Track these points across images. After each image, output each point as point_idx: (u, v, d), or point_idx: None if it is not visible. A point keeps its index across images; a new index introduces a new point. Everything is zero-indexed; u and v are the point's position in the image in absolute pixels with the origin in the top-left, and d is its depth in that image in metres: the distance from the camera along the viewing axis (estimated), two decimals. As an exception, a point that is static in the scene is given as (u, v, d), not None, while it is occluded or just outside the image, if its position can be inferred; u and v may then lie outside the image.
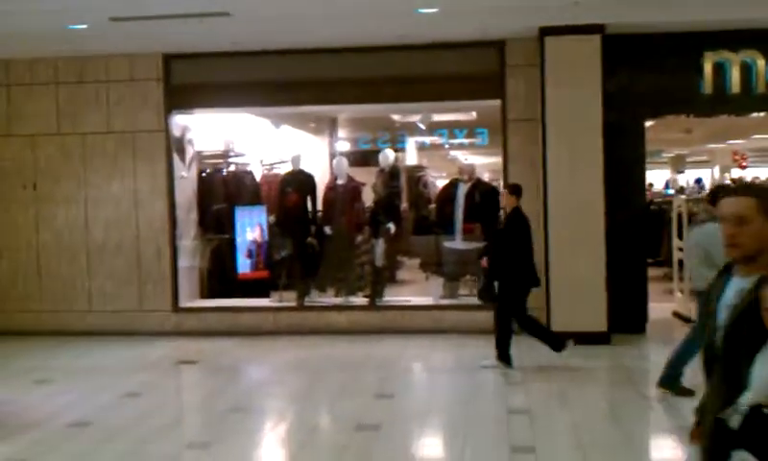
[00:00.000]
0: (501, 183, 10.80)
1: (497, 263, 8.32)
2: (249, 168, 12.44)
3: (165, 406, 7.70)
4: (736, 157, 26.01)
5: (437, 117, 14.21)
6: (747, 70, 9.87)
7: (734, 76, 9.88)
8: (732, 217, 2.69)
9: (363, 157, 14.47)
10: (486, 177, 17.81)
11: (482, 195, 11.01)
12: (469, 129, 14.76)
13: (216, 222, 11.62)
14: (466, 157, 21.43)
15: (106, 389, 8.11)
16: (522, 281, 8.24)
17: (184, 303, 10.96)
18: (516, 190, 8.39)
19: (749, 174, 25.87)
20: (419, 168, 16.33)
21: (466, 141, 15.75)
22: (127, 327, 10.67)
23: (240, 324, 10.63)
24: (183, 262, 11.05)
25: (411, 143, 16.46)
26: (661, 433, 6.78)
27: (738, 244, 2.67)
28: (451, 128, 14.77)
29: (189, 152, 11.34)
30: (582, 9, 8.82)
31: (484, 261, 8.59)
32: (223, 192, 11.71)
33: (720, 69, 9.90)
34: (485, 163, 21.41)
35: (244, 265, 11.48)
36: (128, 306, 10.81)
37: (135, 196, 10.79)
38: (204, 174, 11.77)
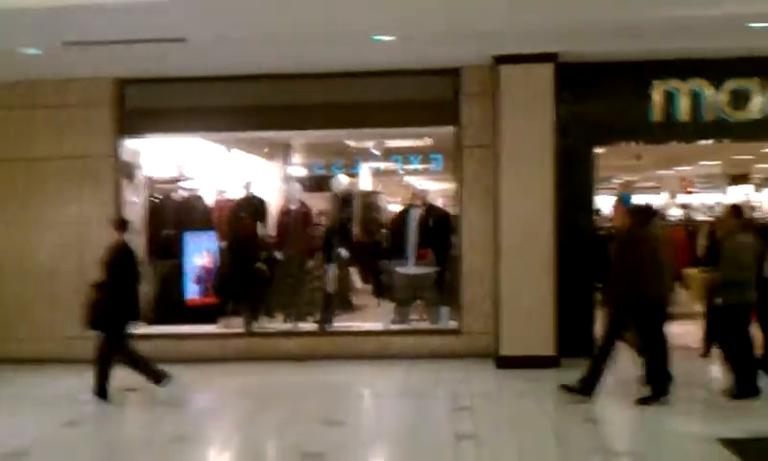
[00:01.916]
0: (454, 209, 10.83)
1: None
2: (200, 193, 12.27)
3: (105, 436, 7.46)
4: (684, 183, 26.53)
5: (392, 143, 14.22)
6: (695, 98, 10.05)
7: (683, 104, 10.05)
8: None
9: (317, 183, 14.41)
10: (440, 202, 17.85)
11: (435, 221, 11.00)
12: (424, 155, 14.82)
13: (165, 247, 11.43)
14: (420, 183, 21.47)
15: (45, 418, 7.85)
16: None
17: (131, 329, 10.66)
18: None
19: (694, 200, 26.37)
20: (372, 193, 16.29)
21: (420, 167, 15.80)
22: (69, 354, 10.35)
23: (186, 350, 10.41)
24: (131, 288, 10.77)
25: (365, 169, 16.43)
26: (606, 456, 6.75)
27: None
28: (406, 154, 14.82)
29: (139, 177, 11.14)
30: (536, 37, 8.91)
31: None
32: (173, 217, 11.53)
33: (669, 97, 10.06)
34: (439, 189, 21.45)
35: (193, 291, 11.27)
36: (71, 333, 10.50)
37: (82, 221, 10.53)
38: (154, 199, 11.57)
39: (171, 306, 11.34)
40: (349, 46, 9.18)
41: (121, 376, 9.63)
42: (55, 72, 10.17)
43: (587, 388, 7.94)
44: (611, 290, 8.08)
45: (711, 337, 9.18)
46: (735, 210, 8.65)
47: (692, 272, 8.18)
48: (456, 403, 7.99)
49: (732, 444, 6.47)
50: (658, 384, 7.87)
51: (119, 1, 7.53)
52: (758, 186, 26.04)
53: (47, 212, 10.58)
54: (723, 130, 10.23)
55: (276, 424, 7.68)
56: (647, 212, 8.35)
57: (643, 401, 7.84)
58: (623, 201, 8.15)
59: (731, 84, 10.02)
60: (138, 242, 11.10)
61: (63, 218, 10.56)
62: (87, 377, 9.54)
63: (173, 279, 11.39)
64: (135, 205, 11.03)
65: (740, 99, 10.04)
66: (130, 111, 10.55)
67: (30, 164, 10.58)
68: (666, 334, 8.08)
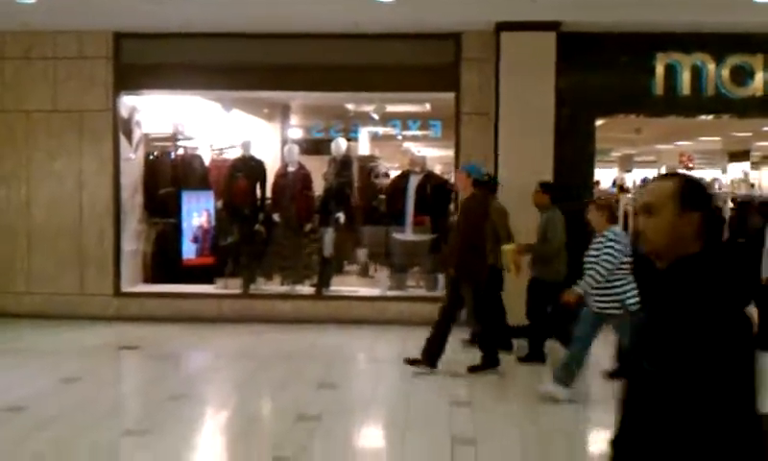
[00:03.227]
0: (453, 176, 10.81)
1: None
2: (198, 152, 12.23)
3: (104, 393, 7.50)
4: (683, 159, 26.50)
5: (391, 108, 14.15)
6: (697, 73, 10.00)
7: (685, 78, 10.01)
8: (642, 207, 2.37)
9: (315, 146, 14.34)
10: (437, 169, 17.83)
11: (433, 188, 10.99)
12: (423, 120, 14.76)
13: (162, 206, 11.40)
14: (419, 149, 21.44)
15: (43, 373, 7.90)
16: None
17: (127, 287, 10.73)
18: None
19: (694, 175, 26.36)
20: (371, 158, 16.25)
21: (419, 133, 15.74)
22: (67, 310, 10.40)
23: (183, 310, 10.45)
24: (127, 246, 10.82)
25: (364, 133, 16.37)
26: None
27: (647, 239, 2.34)
28: (405, 119, 14.75)
29: (137, 133, 11.10)
30: (538, 6, 8.84)
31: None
32: (170, 176, 11.50)
33: (671, 71, 10.02)
34: (438, 156, 21.42)
35: (189, 250, 11.29)
36: (68, 289, 10.54)
37: (80, 177, 10.52)
38: (151, 156, 11.54)
39: (168, 265, 11.36)
40: (350, 6, 9.10)
41: (116, 333, 9.71)
42: (51, 23, 10.05)
43: (431, 359, 7.83)
44: (453, 256, 8.00)
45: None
46: (544, 187, 8.58)
47: (505, 247, 8.15)
48: (450, 370, 8.02)
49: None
50: (489, 353, 7.85)
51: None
52: (757, 164, 26.07)
53: (45, 166, 10.54)
54: (724, 105, 10.20)
55: (272, 386, 7.74)
56: (488, 184, 8.40)
57: (473, 369, 7.81)
58: (467, 171, 8.15)
59: (733, 60, 9.98)
60: (136, 201, 11.13)
61: (61, 172, 10.53)
62: (82, 334, 9.63)
63: (170, 238, 11.39)
64: (133, 161, 10.99)
65: (742, 75, 10.01)
66: (127, 66, 10.46)
67: (28, 116, 10.53)
68: (502, 305, 8.38)
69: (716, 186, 22.25)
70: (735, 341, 2.09)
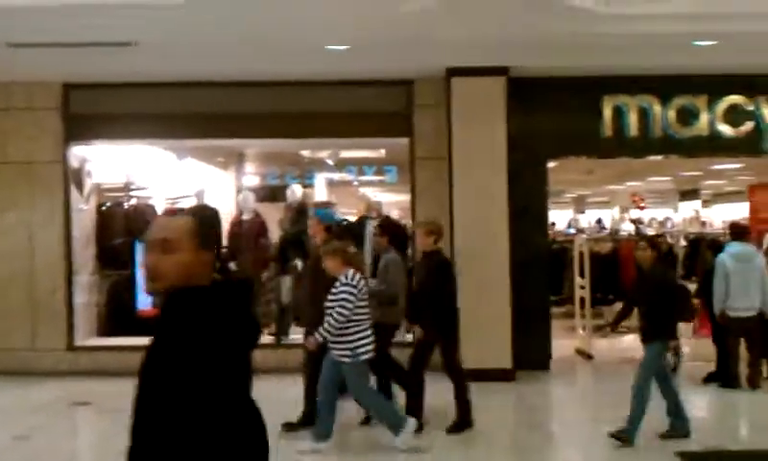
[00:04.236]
0: (410, 221, 10.85)
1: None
2: (151, 202, 12.10)
3: (55, 450, 7.30)
4: (635, 198, 26.97)
5: (346, 154, 14.21)
6: (644, 114, 10.24)
7: (632, 119, 10.24)
8: (155, 243, 2.35)
9: (271, 193, 14.28)
10: (394, 214, 17.86)
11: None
12: (378, 166, 14.82)
13: (115, 256, 11.23)
14: (375, 194, 21.51)
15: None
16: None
17: (80, 341, 10.51)
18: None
19: (646, 215, 26.85)
20: (327, 204, 16.22)
21: (375, 178, 15.79)
22: (18, 366, 10.13)
23: (138, 363, 10.19)
24: (80, 298, 10.62)
25: (320, 179, 16.37)
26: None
27: (158, 276, 2.33)
28: (360, 165, 14.80)
29: (88, 184, 10.97)
30: (487, 51, 9.00)
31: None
32: (123, 226, 11.33)
33: (619, 113, 10.24)
34: (395, 201, 21.49)
35: (144, 302, 11.10)
36: (20, 344, 10.29)
37: (30, 228, 10.34)
38: (103, 207, 11.39)
39: (122, 317, 11.15)
40: (304, 55, 9.16)
41: (69, 388, 9.48)
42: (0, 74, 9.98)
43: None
44: (306, 305, 7.63)
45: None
46: (382, 228, 8.36)
47: None
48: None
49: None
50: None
51: (66, 2, 7.40)
52: (707, 202, 26.62)
53: (-6, 218, 10.35)
54: (671, 145, 10.45)
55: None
56: (346, 230, 8.36)
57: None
58: (319, 217, 8.20)
59: (678, 101, 10.23)
60: (88, 252, 10.94)
61: (11, 224, 10.34)
62: (33, 390, 9.38)
63: (124, 289, 11.21)
64: (84, 212, 10.84)
65: (687, 115, 10.26)
66: (77, 116, 10.37)
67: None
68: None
69: (668, 225, 22.68)
70: (211, 370, 2.25)
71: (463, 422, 7.38)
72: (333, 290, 6.63)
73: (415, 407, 7.37)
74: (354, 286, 6.56)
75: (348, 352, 6.53)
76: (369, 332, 6.63)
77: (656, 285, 6.98)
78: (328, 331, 6.53)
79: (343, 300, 6.51)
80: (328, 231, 8.00)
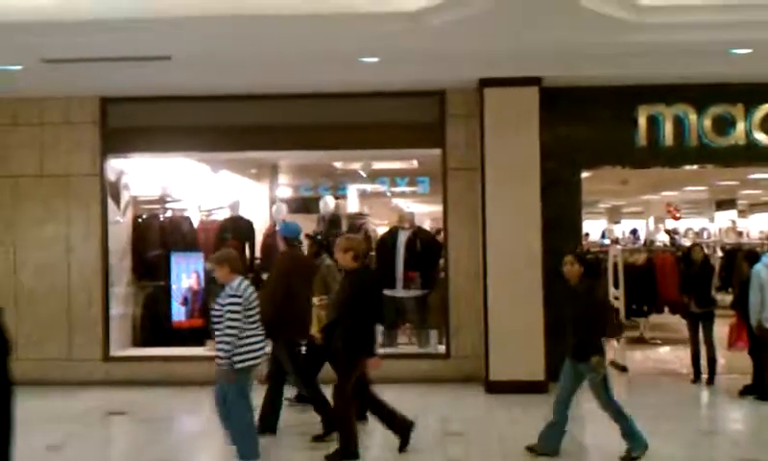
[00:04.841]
0: (441, 232, 10.84)
1: None
2: (186, 214, 12.23)
3: (88, 459, 7.37)
4: (670, 209, 26.67)
5: (378, 165, 14.23)
6: (679, 123, 10.14)
7: (668, 129, 10.14)
8: None
9: (304, 204, 14.37)
10: (427, 225, 17.84)
11: (422, 243, 10.99)
12: (411, 177, 14.81)
13: (151, 268, 11.36)
14: (408, 205, 21.51)
15: (28, 441, 7.72)
16: None
17: (116, 351, 10.63)
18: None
19: (682, 225, 26.54)
20: (360, 215, 16.26)
21: (407, 189, 15.79)
22: (55, 376, 10.28)
23: (173, 373, 10.33)
24: (116, 310, 10.75)
25: (352, 190, 16.42)
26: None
27: None
28: (393, 176, 14.81)
29: (125, 197, 11.12)
30: (520, 62, 8.98)
31: None
32: (159, 238, 11.47)
33: (654, 122, 10.15)
34: (427, 211, 21.47)
35: (179, 313, 11.21)
36: (56, 355, 10.44)
37: (68, 241, 10.50)
38: (139, 219, 11.53)
39: (157, 328, 11.27)
40: (336, 67, 9.22)
41: (104, 398, 9.58)
42: (36, 89, 10.16)
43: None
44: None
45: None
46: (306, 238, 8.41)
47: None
48: (446, 428, 7.90)
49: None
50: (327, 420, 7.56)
51: (102, 18, 7.51)
52: (744, 212, 26.24)
53: (32, 230, 10.52)
54: (707, 155, 10.33)
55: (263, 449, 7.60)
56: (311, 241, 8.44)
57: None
58: (281, 229, 8.18)
59: (714, 110, 10.12)
60: (124, 264, 11.08)
61: (49, 237, 10.50)
62: (69, 400, 9.50)
63: (159, 300, 11.33)
64: (121, 225, 10.98)
65: (723, 125, 10.14)
66: (114, 130, 10.54)
67: (14, 182, 10.55)
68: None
69: (704, 235, 22.40)
70: None
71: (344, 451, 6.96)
72: (219, 300, 6.55)
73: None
74: (240, 295, 6.46)
75: (222, 354, 6.40)
76: (253, 342, 6.49)
77: (583, 301, 6.87)
78: (226, 349, 6.36)
79: (230, 311, 6.39)
80: (288, 244, 7.98)
